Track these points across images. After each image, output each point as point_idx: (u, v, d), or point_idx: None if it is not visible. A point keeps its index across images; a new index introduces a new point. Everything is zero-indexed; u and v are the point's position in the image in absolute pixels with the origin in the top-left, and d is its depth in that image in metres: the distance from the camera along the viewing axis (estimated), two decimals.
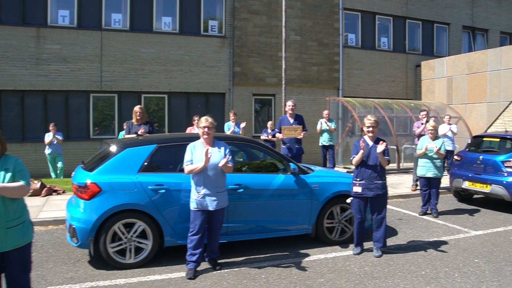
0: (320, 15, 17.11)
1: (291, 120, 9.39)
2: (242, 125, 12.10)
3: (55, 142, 12.65)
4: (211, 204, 5.46)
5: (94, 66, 14.49)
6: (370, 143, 6.27)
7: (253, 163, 6.77)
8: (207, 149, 5.36)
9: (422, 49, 19.60)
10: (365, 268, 5.76)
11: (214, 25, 15.97)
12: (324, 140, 13.53)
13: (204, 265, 5.77)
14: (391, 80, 18.62)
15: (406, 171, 14.00)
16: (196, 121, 11.27)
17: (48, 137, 12.57)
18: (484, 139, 10.00)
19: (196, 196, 5.48)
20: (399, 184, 11.95)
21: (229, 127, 12.19)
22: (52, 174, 13.01)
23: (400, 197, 10.58)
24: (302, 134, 9.21)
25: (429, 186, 8.67)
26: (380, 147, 6.04)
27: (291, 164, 6.47)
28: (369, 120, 6.26)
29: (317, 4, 17.08)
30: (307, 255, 6.29)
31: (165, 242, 5.90)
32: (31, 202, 9.54)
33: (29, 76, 13.89)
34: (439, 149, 8.46)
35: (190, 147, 5.60)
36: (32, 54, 13.92)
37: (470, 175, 9.48)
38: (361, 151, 6.16)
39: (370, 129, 6.24)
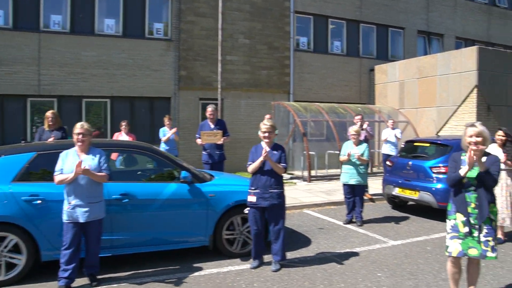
0: (270, 18, 16.79)
1: (212, 125, 9.03)
2: (173, 130, 11.58)
3: None
4: (82, 215, 5.04)
5: (31, 70, 13.91)
6: (267, 149, 5.89)
7: (144, 171, 6.36)
8: (80, 161, 4.94)
9: (376, 53, 19.41)
10: (254, 284, 5.37)
11: (160, 28, 15.53)
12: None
13: (83, 281, 5.33)
14: (344, 84, 18.38)
15: None
16: (124, 126, 10.82)
17: None
18: (415, 144, 9.72)
19: (67, 207, 5.07)
20: (336, 190, 11.60)
21: (164, 133, 11.74)
22: None
23: (333, 204, 10.24)
24: (222, 139, 8.84)
25: (353, 194, 8.34)
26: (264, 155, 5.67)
27: (183, 172, 6.05)
28: (265, 125, 5.89)
29: (267, 7, 16.75)
30: (199, 269, 5.88)
31: (42, 257, 5.45)
32: None
33: None
34: (362, 154, 8.15)
35: (62, 155, 5.19)
36: None
37: (400, 181, 9.20)
38: (261, 158, 5.77)
39: (266, 134, 5.87)
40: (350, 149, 8.29)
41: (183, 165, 6.31)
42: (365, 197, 10.58)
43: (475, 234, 4.38)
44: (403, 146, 10.02)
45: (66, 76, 14.23)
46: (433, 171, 8.56)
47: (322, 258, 6.37)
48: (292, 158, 14.21)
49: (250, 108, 16.34)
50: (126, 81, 14.91)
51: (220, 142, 8.85)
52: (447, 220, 4.60)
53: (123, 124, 10.85)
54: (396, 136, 12.69)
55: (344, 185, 8.41)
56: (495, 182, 4.31)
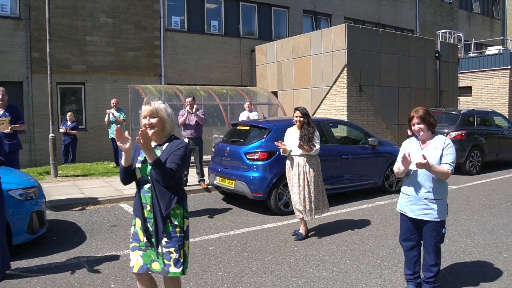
0: None
1: (1, 112, 7.86)
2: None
3: None
4: None
5: None
6: None
7: None
8: None
9: (258, 34, 18.69)
10: None
11: (5, 4, 13.93)
12: (112, 132, 12.18)
13: None
14: (223, 66, 17.53)
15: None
16: None
17: None
18: (238, 127, 8.93)
19: None
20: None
21: None
22: None
23: None
24: (9, 127, 7.69)
25: None
26: None
27: None
28: None
29: None
30: None
31: None
32: None
33: None
34: None
35: None
36: None
37: (219, 169, 8.43)
38: None
39: None
40: None
41: None
42: (201, 187, 9.89)
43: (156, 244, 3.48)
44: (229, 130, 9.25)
45: None
46: (247, 157, 7.84)
47: (69, 265, 5.45)
48: None
49: (116, 92, 15.14)
50: None
51: (7, 130, 7.69)
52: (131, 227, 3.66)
53: None
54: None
55: None
56: (169, 176, 3.34)
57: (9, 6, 13.97)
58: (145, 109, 3.48)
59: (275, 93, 16.60)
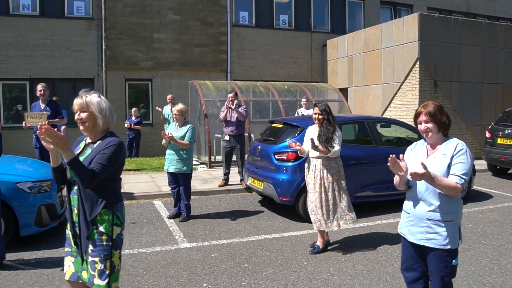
0: None
1: (42, 106, 8.18)
2: None
3: None
4: None
5: None
6: None
7: None
8: None
9: (331, 27, 17.81)
10: None
11: (80, 6, 14.66)
12: (167, 127, 12.22)
13: None
14: (293, 62, 16.96)
15: None
16: None
17: None
18: (273, 125, 8.38)
19: None
20: (221, 178, 10.30)
21: None
22: None
23: (197, 194, 9.06)
24: (46, 122, 7.89)
25: (177, 183, 7.25)
26: None
27: None
28: None
29: None
30: None
31: None
32: None
33: None
34: (183, 137, 7.01)
35: None
36: None
37: (251, 169, 8.00)
38: None
39: None
40: (173, 131, 7.18)
41: None
42: (242, 187, 9.53)
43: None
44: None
45: None
46: (276, 157, 7.32)
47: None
48: (200, 141, 13.09)
49: (182, 88, 15.28)
50: (45, 63, 14.24)
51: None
52: None
53: None
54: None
55: (168, 173, 7.31)
56: (89, 178, 2.92)
57: (83, 7, 14.64)
58: (75, 102, 3.19)
59: (345, 90, 15.75)
